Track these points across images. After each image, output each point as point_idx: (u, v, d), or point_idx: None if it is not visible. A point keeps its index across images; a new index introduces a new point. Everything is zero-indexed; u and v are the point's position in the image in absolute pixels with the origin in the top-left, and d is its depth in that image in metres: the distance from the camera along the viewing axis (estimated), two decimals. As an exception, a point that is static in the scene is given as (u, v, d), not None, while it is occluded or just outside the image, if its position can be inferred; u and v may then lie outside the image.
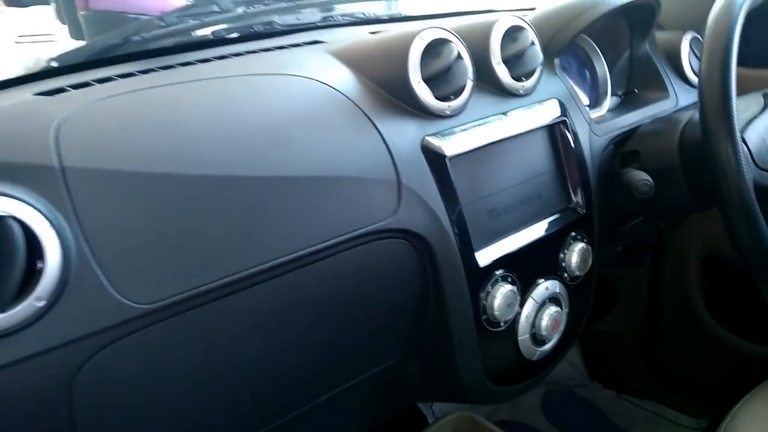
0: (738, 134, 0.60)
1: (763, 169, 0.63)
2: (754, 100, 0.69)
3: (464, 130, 0.64)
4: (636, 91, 0.91)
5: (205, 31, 0.75)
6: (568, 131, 0.74)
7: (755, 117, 0.66)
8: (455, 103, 0.64)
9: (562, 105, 0.74)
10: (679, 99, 0.89)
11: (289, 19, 0.88)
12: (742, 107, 0.67)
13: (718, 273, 1.16)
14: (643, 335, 1.34)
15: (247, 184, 0.51)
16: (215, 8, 0.76)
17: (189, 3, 0.81)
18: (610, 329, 1.37)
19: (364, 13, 0.95)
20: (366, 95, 0.62)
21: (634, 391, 1.37)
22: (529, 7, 0.97)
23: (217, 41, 0.77)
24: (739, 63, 0.99)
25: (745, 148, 0.63)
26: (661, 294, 1.27)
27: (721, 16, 0.62)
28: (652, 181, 0.71)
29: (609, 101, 0.92)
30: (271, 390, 0.55)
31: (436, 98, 0.63)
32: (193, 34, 0.75)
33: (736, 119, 0.60)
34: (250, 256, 0.49)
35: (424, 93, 0.62)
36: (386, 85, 0.63)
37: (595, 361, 1.45)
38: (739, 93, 0.90)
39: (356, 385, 0.65)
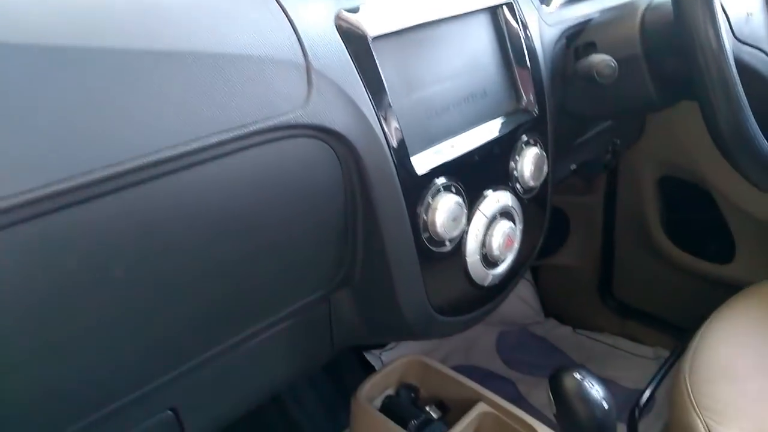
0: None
1: (740, 41, 0.54)
2: None
3: (390, 5, 0.52)
4: None
5: None
6: (515, 18, 0.62)
7: None
8: (376, -30, 0.51)
9: (506, -15, 0.63)
10: None
11: None
12: None
13: (675, 193, 1.10)
14: (598, 265, 1.28)
15: (95, 59, 0.37)
16: None
17: None
18: (565, 262, 1.31)
19: None
20: None
21: (590, 325, 1.32)
22: None
23: None
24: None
25: (724, 15, 0.53)
26: (616, 219, 1.21)
27: None
28: (615, 64, 0.61)
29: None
30: (147, 334, 0.42)
31: None
32: None
33: None
34: (100, 154, 0.36)
35: (335, -46, 0.49)
36: None
37: (550, 298, 1.39)
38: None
39: (273, 327, 0.53)
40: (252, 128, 0.42)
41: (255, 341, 0.53)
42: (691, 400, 0.66)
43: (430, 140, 0.56)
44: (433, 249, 0.56)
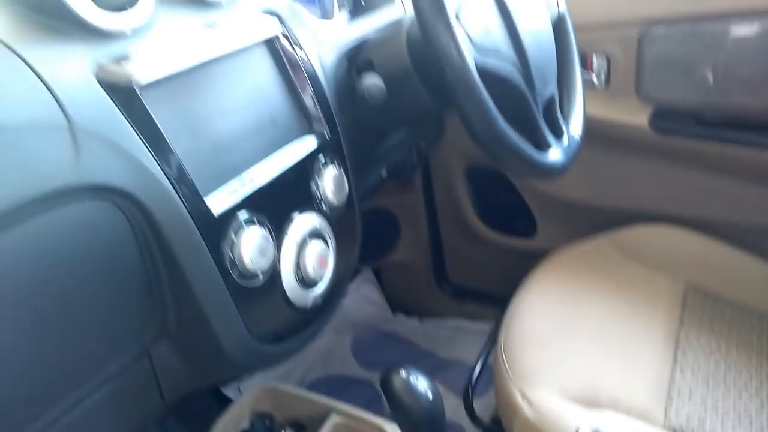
0: (452, 18, 0.57)
1: (482, 52, 0.61)
2: None
3: (156, 50, 0.52)
4: (363, 3, 0.86)
5: None
6: (292, 46, 0.65)
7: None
8: (134, 18, 0.50)
9: (278, 17, 0.65)
10: (407, 6, 0.86)
11: None
12: None
13: (481, 180, 1.21)
14: (430, 256, 1.37)
15: None
16: None
17: None
18: (401, 258, 1.38)
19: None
20: (6, 21, 0.46)
21: (433, 312, 1.41)
22: None
23: None
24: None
25: (463, 31, 0.60)
26: (437, 211, 1.30)
27: None
28: (382, 83, 0.66)
29: (338, 16, 0.85)
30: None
31: (108, 10, 0.49)
32: None
33: (446, 2, 0.57)
34: None
35: (83, 6, 0.47)
36: (33, 4, 0.47)
37: (395, 294, 1.46)
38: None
39: (95, 392, 0.51)
40: (17, 202, 0.40)
41: (78, 411, 0.50)
42: (507, 370, 0.74)
43: (224, 177, 0.56)
44: (246, 284, 0.56)
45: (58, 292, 0.45)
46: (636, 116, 0.95)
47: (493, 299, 1.33)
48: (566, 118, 0.77)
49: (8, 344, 0.42)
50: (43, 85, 0.44)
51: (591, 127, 0.96)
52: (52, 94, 0.44)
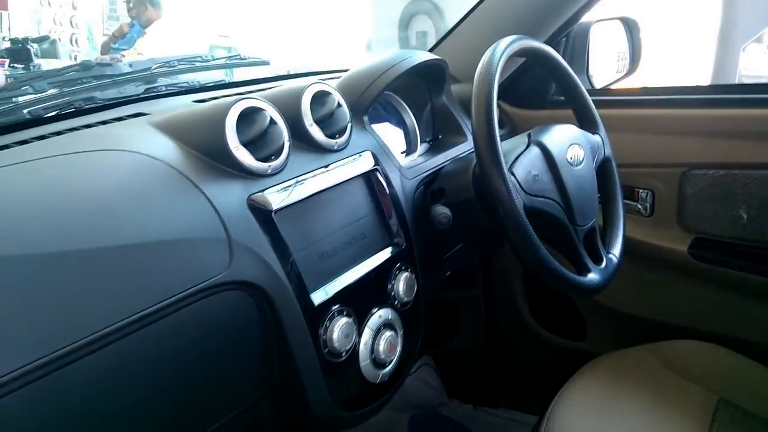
0: (506, 169, 0.74)
1: (531, 195, 0.78)
2: (521, 140, 0.85)
3: (287, 185, 0.72)
4: (440, 137, 1.05)
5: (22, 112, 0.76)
6: (382, 177, 0.84)
7: (521, 154, 0.81)
8: (275, 162, 0.71)
9: (374, 156, 0.85)
10: None
11: (111, 92, 0.92)
12: (510, 147, 0.82)
13: (537, 284, 1.34)
14: (486, 348, 1.49)
15: (72, 258, 0.53)
16: (30, 90, 0.77)
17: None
18: (459, 347, 1.51)
19: (187, 82, 1.00)
20: (189, 162, 0.67)
21: (488, 401, 1.51)
22: (343, 69, 1.09)
23: (36, 121, 0.78)
24: (515, 105, 1.19)
25: (514, 179, 0.77)
26: (496, 308, 1.43)
27: (481, 78, 0.76)
28: (449, 213, 0.84)
29: (420, 147, 1.05)
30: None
31: (258, 159, 0.69)
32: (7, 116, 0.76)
33: (502, 158, 0.74)
34: (80, 327, 0.51)
35: (244, 156, 0.68)
36: (208, 152, 0.69)
37: (451, 380, 1.57)
38: (515, 131, 1.08)
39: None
40: (190, 290, 0.59)
41: None
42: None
43: (324, 278, 0.74)
44: (332, 360, 0.73)
45: (201, 360, 0.63)
46: (677, 243, 1.07)
47: (543, 394, 1.41)
48: (607, 244, 0.91)
49: (162, 397, 0.60)
50: (213, 210, 0.64)
51: (636, 249, 1.09)
52: (219, 217, 0.64)
